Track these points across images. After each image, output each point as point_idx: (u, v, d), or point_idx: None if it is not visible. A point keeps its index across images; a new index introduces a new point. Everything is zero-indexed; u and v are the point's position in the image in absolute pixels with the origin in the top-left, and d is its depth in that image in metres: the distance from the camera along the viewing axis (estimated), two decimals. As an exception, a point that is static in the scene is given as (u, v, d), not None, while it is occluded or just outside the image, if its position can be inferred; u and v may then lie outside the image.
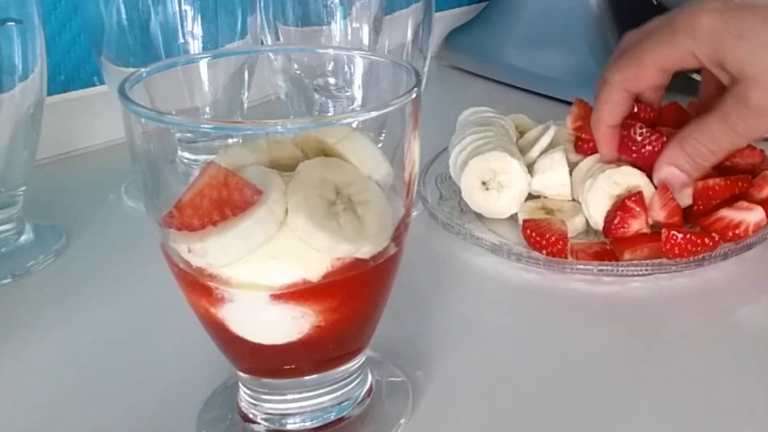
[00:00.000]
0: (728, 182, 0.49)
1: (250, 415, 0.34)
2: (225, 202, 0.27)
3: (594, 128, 0.50)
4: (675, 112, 0.55)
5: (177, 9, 0.50)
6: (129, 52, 0.51)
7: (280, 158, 0.30)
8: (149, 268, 0.45)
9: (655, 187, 0.49)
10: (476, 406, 0.37)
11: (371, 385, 0.36)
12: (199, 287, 0.30)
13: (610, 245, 0.48)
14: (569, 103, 0.59)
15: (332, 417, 0.34)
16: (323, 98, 0.50)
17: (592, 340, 0.42)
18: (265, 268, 0.29)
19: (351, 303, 0.31)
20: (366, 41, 0.51)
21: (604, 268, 0.46)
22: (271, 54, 0.51)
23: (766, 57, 0.43)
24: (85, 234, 0.52)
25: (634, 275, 0.46)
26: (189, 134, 0.32)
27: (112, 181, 0.58)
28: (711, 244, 0.46)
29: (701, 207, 0.49)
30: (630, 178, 0.49)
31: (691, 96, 0.63)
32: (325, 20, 0.50)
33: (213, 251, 0.28)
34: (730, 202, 0.49)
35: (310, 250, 0.28)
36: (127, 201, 0.57)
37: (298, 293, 0.29)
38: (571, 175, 0.51)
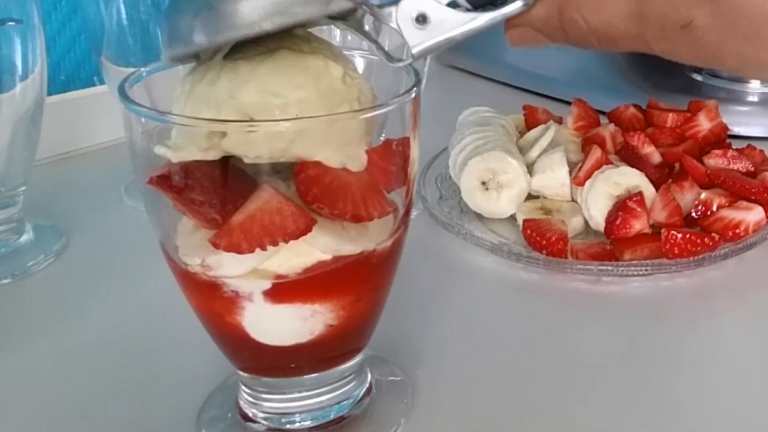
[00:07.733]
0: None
1: (250, 414, 0.34)
2: (277, 229, 0.27)
3: None
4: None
5: (177, 9, 0.50)
6: (129, 52, 0.51)
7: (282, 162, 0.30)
8: (149, 268, 0.45)
9: (656, 188, 0.49)
10: (475, 406, 0.37)
11: (371, 385, 0.36)
12: (201, 286, 0.30)
13: (610, 245, 0.48)
14: (569, 103, 0.60)
15: (332, 416, 0.34)
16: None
17: (592, 340, 0.42)
18: (267, 269, 0.29)
19: (350, 302, 0.31)
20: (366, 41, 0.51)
21: (604, 268, 0.46)
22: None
23: None
24: (85, 234, 0.52)
25: (634, 275, 0.46)
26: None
27: (112, 181, 0.58)
28: (711, 244, 0.46)
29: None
30: (630, 178, 0.49)
31: (691, 96, 0.63)
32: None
33: (227, 263, 0.28)
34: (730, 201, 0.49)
35: (311, 250, 0.28)
36: (127, 201, 0.57)
37: (299, 292, 0.29)
38: (571, 175, 0.51)
